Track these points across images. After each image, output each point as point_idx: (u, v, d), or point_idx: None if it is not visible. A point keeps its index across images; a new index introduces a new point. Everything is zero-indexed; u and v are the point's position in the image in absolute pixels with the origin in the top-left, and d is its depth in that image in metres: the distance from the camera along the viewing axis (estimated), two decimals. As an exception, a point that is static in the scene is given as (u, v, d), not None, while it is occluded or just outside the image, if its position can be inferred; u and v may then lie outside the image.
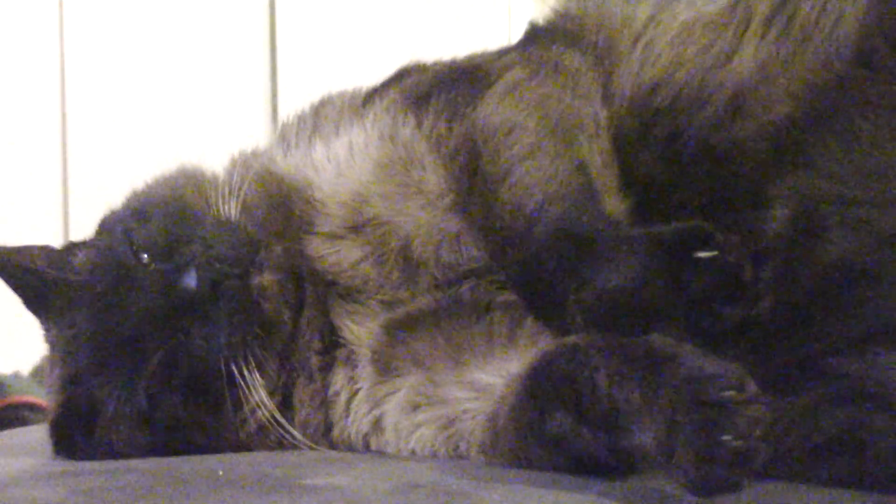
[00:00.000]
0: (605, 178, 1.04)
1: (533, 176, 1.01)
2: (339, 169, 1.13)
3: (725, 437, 0.73)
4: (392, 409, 1.09)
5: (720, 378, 0.76)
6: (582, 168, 1.02)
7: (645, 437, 0.79)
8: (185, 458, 1.05)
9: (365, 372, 1.11)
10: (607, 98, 1.07)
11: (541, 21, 1.20)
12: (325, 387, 1.13)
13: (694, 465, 0.74)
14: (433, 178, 1.08)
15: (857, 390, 0.88)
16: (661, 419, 0.77)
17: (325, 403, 1.13)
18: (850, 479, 0.85)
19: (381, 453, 1.09)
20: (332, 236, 1.12)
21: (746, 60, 1.01)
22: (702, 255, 0.86)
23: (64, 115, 3.21)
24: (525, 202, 1.00)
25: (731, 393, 0.74)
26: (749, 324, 0.90)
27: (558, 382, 0.88)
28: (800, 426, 0.89)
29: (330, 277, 1.13)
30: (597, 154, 1.04)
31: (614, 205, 1.02)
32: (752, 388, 0.75)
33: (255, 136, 1.38)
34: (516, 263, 1.00)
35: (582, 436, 0.86)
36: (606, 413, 0.83)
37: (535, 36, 1.19)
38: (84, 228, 1.22)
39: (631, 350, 0.83)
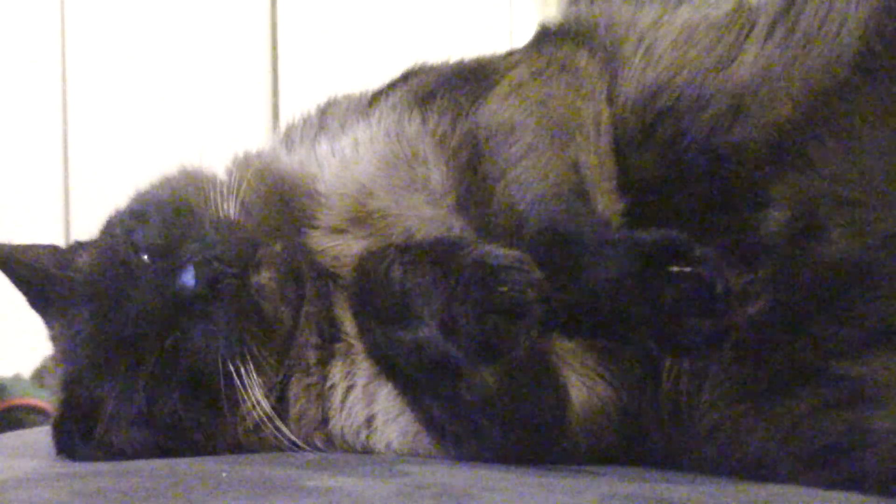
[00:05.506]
0: (602, 178, 1.03)
1: (527, 176, 1.01)
2: (343, 163, 1.13)
3: (502, 288, 0.81)
4: (386, 407, 1.09)
5: (503, 257, 0.85)
6: (575, 168, 1.02)
7: (432, 313, 0.86)
8: (189, 459, 1.05)
9: (362, 367, 1.11)
10: (612, 99, 1.07)
11: (551, 24, 1.20)
12: (323, 380, 1.13)
13: (472, 319, 0.81)
14: (437, 175, 1.08)
15: (857, 393, 0.88)
16: (446, 290, 0.85)
17: (322, 396, 1.12)
18: (851, 482, 0.85)
19: (385, 455, 1.09)
20: (335, 230, 1.12)
21: (748, 64, 1.01)
22: (674, 269, 0.84)
23: (65, 116, 3.21)
24: (517, 202, 1.00)
25: (514, 267, 0.84)
26: (730, 334, 0.88)
27: (368, 295, 0.94)
28: (800, 429, 0.89)
29: (332, 271, 1.13)
30: (594, 154, 1.04)
31: (609, 205, 1.02)
32: (536, 274, 0.84)
33: (256, 137, 1.39)
34: None
35: (393, 339, 0.93)
36: (403, 307, 0.89)
37: (546, 36, 1.19)
38: (85, 228, 1.22)
39: (423, 244, 0.94)
